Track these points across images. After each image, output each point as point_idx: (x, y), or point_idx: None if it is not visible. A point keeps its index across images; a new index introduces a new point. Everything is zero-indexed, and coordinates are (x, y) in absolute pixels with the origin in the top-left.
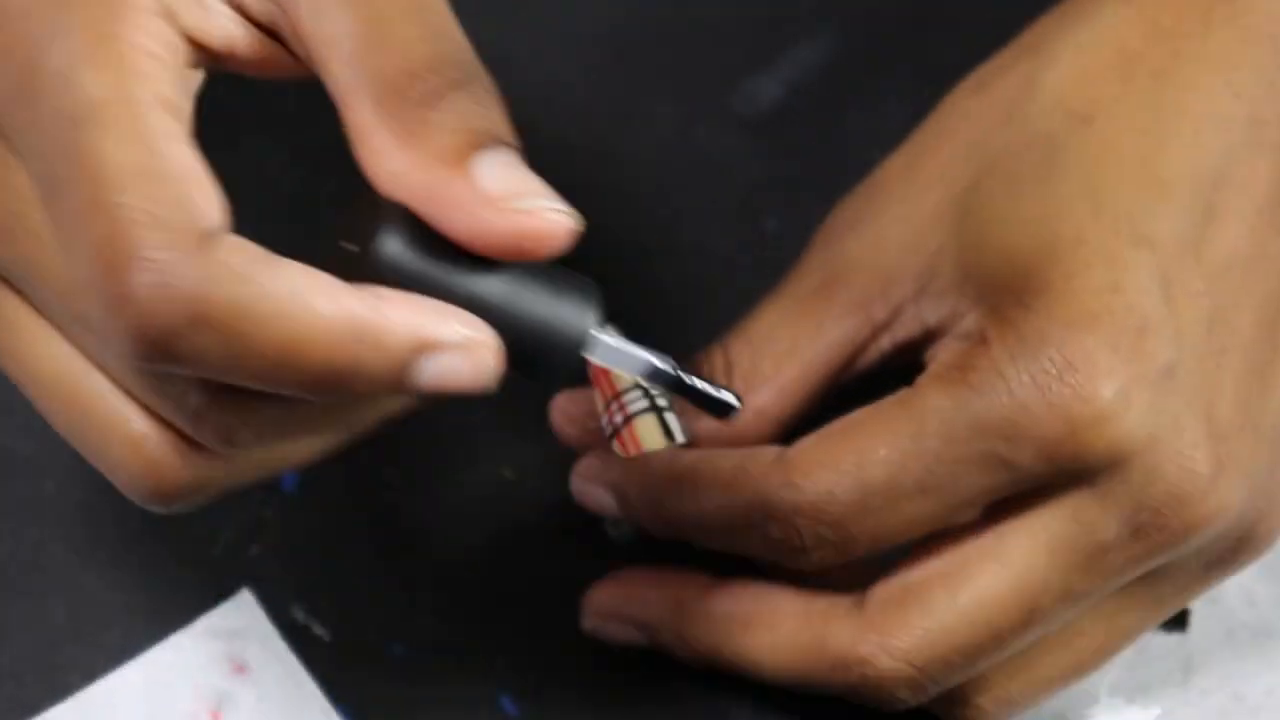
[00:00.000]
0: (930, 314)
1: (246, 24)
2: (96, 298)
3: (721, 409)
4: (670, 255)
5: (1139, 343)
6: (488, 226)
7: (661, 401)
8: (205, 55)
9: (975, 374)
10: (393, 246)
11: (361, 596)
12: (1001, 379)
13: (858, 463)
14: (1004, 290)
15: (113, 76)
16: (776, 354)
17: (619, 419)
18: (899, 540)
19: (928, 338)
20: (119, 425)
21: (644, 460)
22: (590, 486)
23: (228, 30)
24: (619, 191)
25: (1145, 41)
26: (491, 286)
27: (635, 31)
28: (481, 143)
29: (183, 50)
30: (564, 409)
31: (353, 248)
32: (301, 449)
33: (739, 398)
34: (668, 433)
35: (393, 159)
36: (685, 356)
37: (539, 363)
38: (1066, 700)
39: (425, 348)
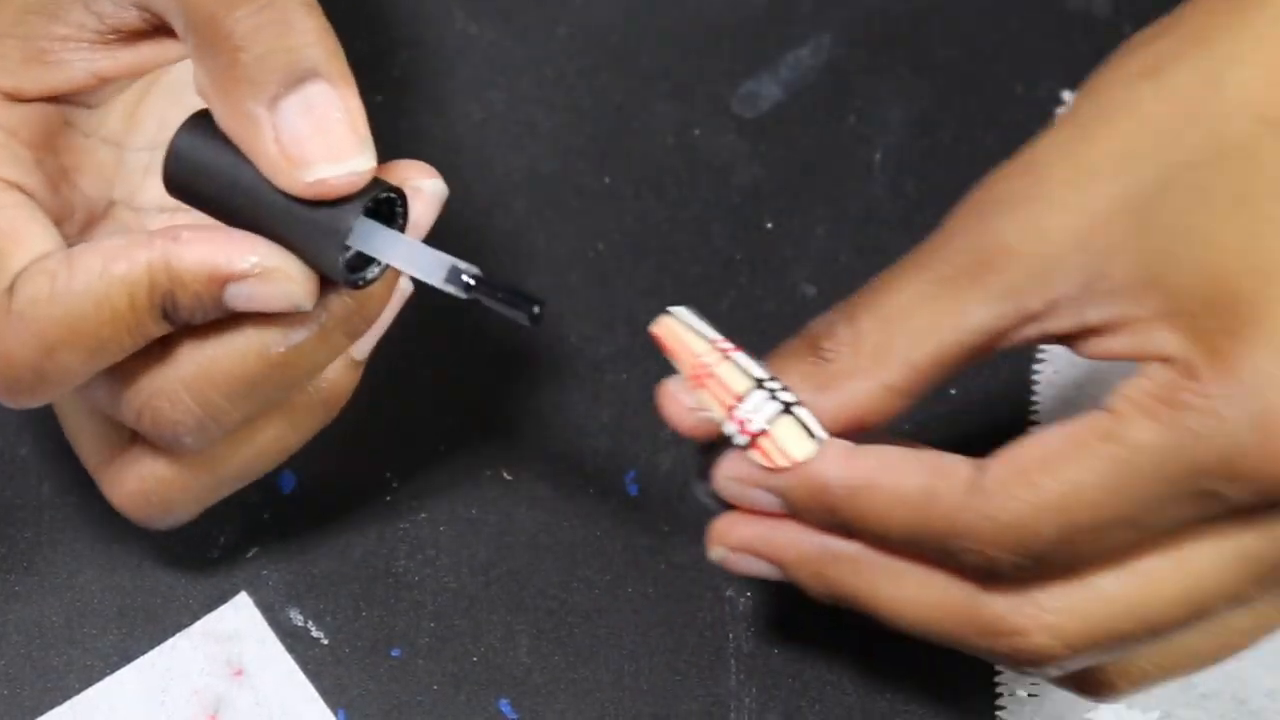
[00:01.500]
0: (1094, 314)
1: (106, 47)
2: None
3: (526, 307)
4: (670, 255)
5: None
6: (283, 183)
7: (789, 397)
8: (60, 98)
9: (1188, 413)
10: (183, 140)
11: (359, 599)
12: (1222, 420)
13: (1064, 502)
14: (1207, 313)
15: None
16: (915, 331)
17: (753, 426)
18: (1095, 560)
19: (1084, 334)
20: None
21: (812, 472)
22: (748, 492)
23: (92, 64)
24: (619, 191)
25: None
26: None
27: (635, 32)
28: (281, 89)
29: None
30: (676, 397)
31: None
32: (265, 441)
33: (541, 302)
34: (809, 432)
35: (212, 100)
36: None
37: (316, 258)
38: (1067, 701)
39: (223, 279)
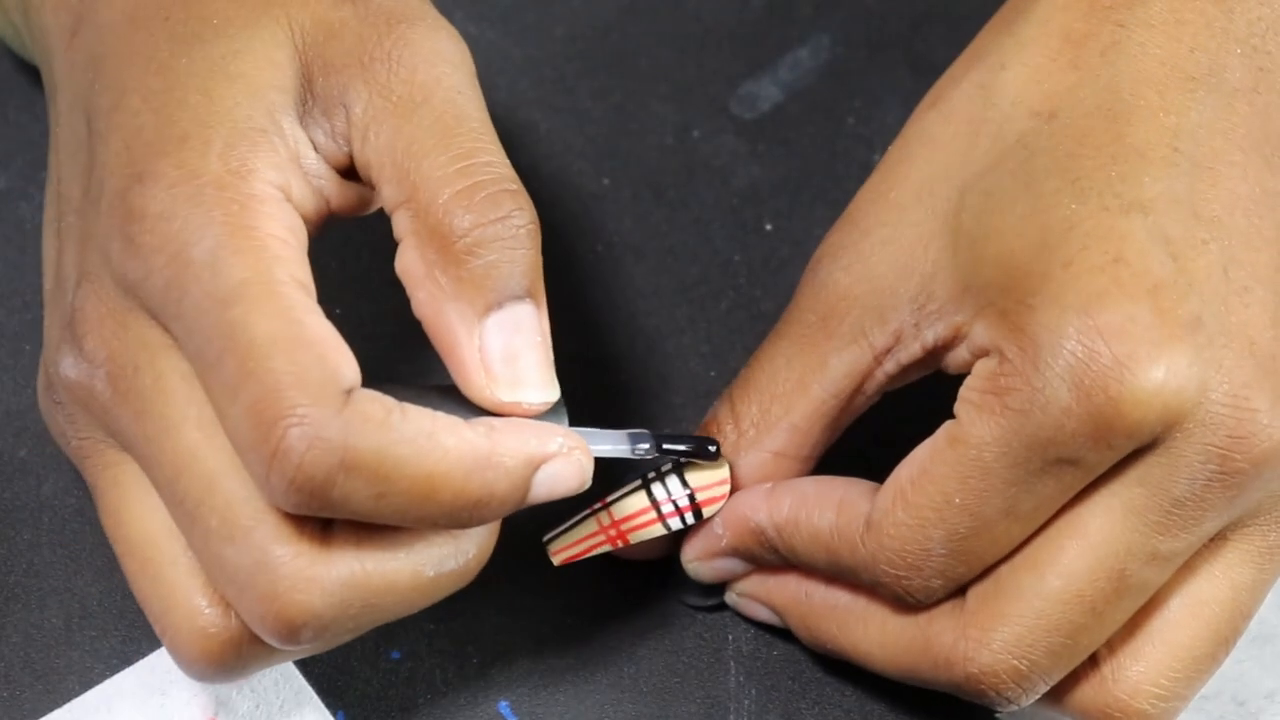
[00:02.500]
0: (930, 334)
1: (337, 177)
2: (254, 455)
3: (707, 452)
4: (670, 256)
5: (1155, 303)
6: (473, 394)
7: (667, 464)
8: (312, 225)
9: (1010, 395)
10: None
11: None
12: (1036, 391)
13: (939, 515)
14: (1004, 297)
15: (252, 261)
16: (784, 395)
17: (682, 500)
18: (1000, 556)
19: (933, 356)
20: (183, 595)
21: (743, 518)
22: (716, 565)
23: (324, 191)
24: (619, 191)
25: (1087, 21)
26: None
27: (635, 33)
28: (500, 301)
29: (302, 230)
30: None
31: None
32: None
33: (715, 442)
34: (710, 457)
35: (424, 307)
36: (685, 365)
37: None
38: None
39: (538, 461)
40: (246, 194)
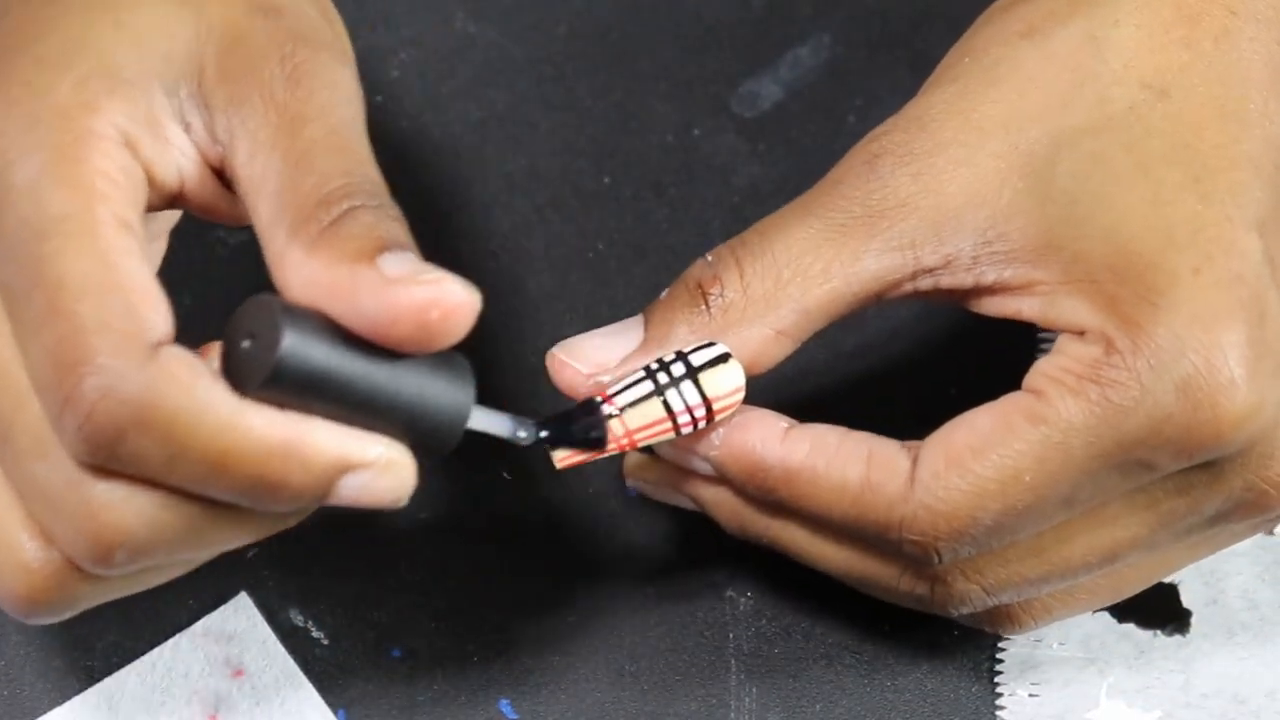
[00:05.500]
0: (992, 273)
1: (200, 163)
2: (50, 395)
3: (594, 445)
4: (670, 255)
5: (1262, 334)
6: (394, 303)
7: (680, 369)
8: (156, 190)
9: (1114, 389)
10: (292, 340)
11: (359, 600)
12: (1146, 391)
13: (1002, 489)
14: (1117, 282)
15: (75, 195)
16: (807, 276)
17: (699, 410)
18: (1031, 535)
19: (979, 292)
20: (3, 529)
21: (749, 451)
22: (684, 456)
23: (180, 168)
24: (620, 190)
25: None
26: (380, 375)
27: (635, 32)
28: (385, 247)
29: (140, 178)
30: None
31: (248, 344)
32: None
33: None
34: (723, 361)
35: (304, 266)
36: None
37: (428, 441)
38: (1067, 701)
39: (347, 465)
40: (86, 127)
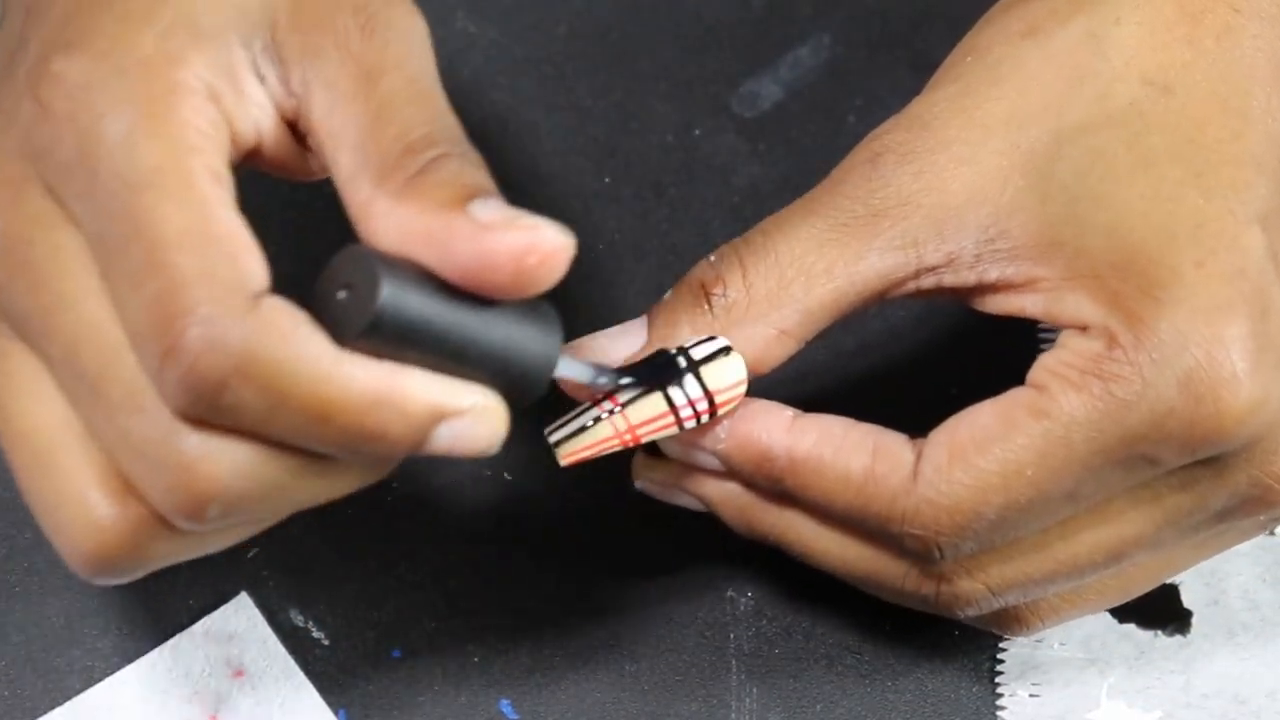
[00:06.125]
0: (994, 271)
1: (275, 117)
2: (150, 348)
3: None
4: (670, 255)
5: (1265, 327)
6: (491, 249)
7: (683, 361)
8: (235, 146)
9: (1116, 383)
10: (390, 290)
11: (360, 600)
12: (1148, 385)
13: (1005, 484)
14: (1119, 278)
15: (169, 147)
16: (810, 275)
17: (701, 405)
18: (1034, 532)
19: (982, 290)
20: (76, 488)
21: (755, 439)
22: (690, 452)
23: (258, 122)
24: (620, 190)
25: None
26: (473, 322)
27: (635, 32)
28: (475, 194)
29: (225, 131)
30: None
31: (345, 295)
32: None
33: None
34: (724, 354)
35: (393, 214)
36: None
37: (517, 387)
38: (1067, 701)
39: (444, 413)
40: (173, 80)
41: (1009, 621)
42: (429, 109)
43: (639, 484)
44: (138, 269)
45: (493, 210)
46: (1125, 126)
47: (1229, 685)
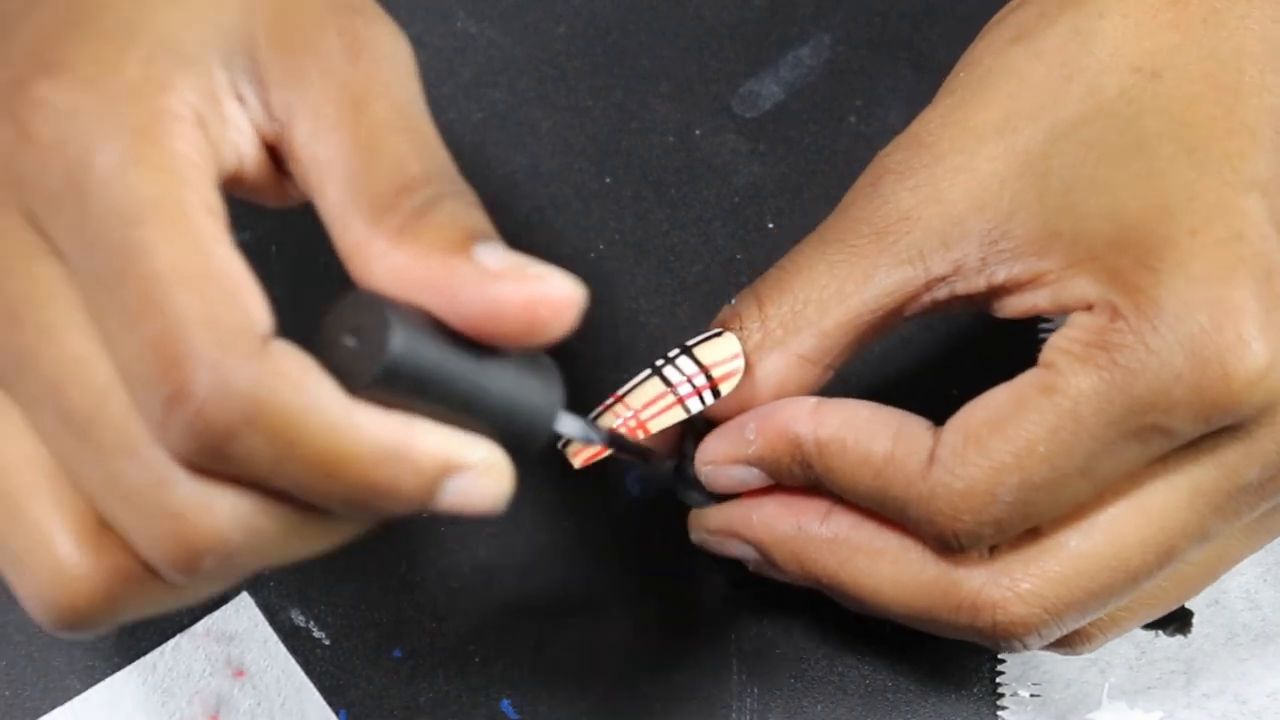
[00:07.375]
0: (1002, 272)
1: (256, 142)
2: (151, 391)
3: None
4: (670, 255)
5: (1269, 289)
6: (500, 298)
7: (676, 349)
8: (221, 173)
9: (1120, 352)
10: (403, 338)
11: (361, 600)
12: (1151, 353)
13: (1018, 463)
14: (1117, 254)
15: (163, 179)
16: (820, 300)
17: (698, 380)
18: (1057, 514)
19: (994, 293)
20: (46, 534)
21: (783, 426)
22: (730, 473)
23: (239, 147)
24: (620, 190)
25: None
26: (479, 373)
27: (636, 32)
28: (476, 236)
29: (213, 159)
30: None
31: (352, 342)
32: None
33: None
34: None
35: (391, 256)
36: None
37: (519, 440)
38: (1069, 702)
39: (453, 467)
40: (161, 107)
41: (1075, 641)
42: (420, 141)
43: (694, 537)
44: (133, 307)
45: (499, 257)
46: (1117, 114)
47: (1230, 685)
